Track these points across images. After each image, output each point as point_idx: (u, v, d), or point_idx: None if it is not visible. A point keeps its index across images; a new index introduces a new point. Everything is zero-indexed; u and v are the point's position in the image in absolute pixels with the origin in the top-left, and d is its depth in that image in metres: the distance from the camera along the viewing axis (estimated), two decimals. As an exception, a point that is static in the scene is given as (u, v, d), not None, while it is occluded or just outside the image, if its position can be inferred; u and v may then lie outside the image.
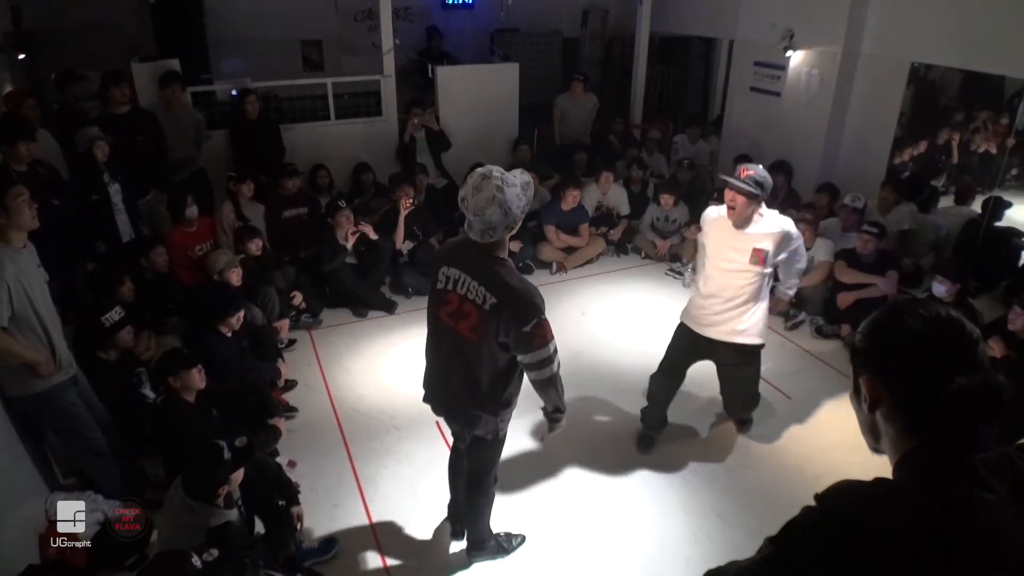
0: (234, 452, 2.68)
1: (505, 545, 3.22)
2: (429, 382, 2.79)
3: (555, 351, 2.48)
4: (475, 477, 2.94)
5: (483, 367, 2.53)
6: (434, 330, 2.65)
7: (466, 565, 3.17)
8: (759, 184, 3.20)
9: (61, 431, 3.28)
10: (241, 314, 3.97)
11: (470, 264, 2.45)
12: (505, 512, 3.44)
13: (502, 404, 2.64)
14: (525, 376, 2.61)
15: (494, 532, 3.18)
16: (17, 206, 2.88)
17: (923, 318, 1.07)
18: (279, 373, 4.23)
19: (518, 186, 2.35)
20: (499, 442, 2.82)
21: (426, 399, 2.83)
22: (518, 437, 3.99)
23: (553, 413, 2.70)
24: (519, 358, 2.48)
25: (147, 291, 4.45)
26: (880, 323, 1.14)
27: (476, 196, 2.29)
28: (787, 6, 6.60)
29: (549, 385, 2.54)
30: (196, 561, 2.28)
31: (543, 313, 2.40)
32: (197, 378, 3.28)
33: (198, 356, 3.39)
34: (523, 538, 3.29)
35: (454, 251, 2.56)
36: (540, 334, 2.40)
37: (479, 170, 2.35)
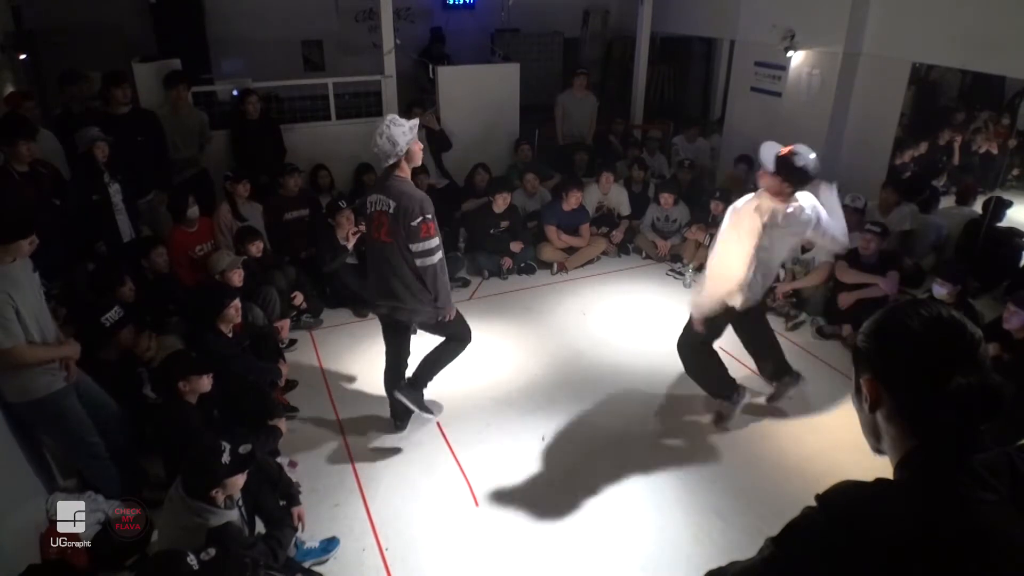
0: (235, 457, 2.68)
1: (430, 409, 3.93)
2: (373, 289, 3.61)
3: (438, 246, 3.38)
4: (453, 339, 3.79)
5: (402, 267, 3.40)
6: (369, 246, 3.59)
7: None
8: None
9: (59, 437, 3.27)
10: (237, 302, 3.95)
11: (381, 186, 3.41)
12: (503, 511, 3.46)
13: (430, 298, 3.48)
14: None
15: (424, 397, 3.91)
16: (21, 246, 2.89)
17: (924, 319, 1.07)
18: (280, 373, 4.23)
19: (405, 127, 3.29)
20: (452, 320, 3.65)
21: (375, 306, 3.66)
22: (520, 438, 4.00)
23: (435, 301, 3.49)
24: (411, 247, 3.33)
25: (148, 291, 4.46)
26: (881, 324, 1.14)
27: (374, 133, 3.28)
28: (788, 6, 6.60)
29: (432, 272, 3.41)
30: (192, 561, 2.27)
31: (428, 214, 3.30)
32: (206, 383, 3.28)
33: (209, 363, 3.37)
34: (436, 412, 4.07)
35: (376, 183, 3.55)
36: (425, 228, 3.30)
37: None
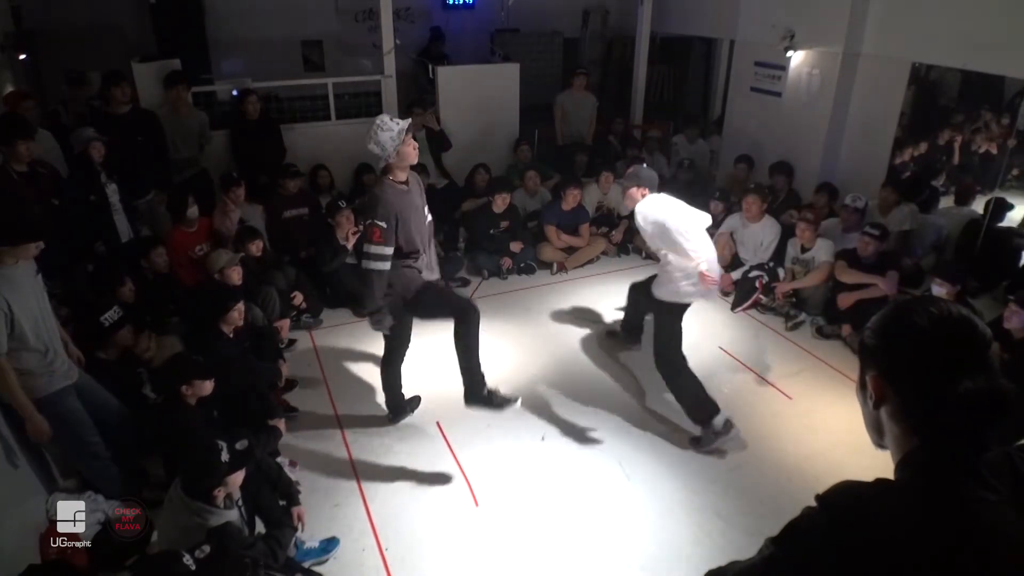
0: (234, 454, 2.68)
1: (508, 399, 3.59)
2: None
3: (379, 256, 3.30)
4: (458, 318, 3.61)
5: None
6: None
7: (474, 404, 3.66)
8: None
9: (59, 437, 3.25)
10: (241, 305, 3.93)
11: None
12: (503, 511, 3.46)
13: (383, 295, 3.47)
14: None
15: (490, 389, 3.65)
16: (27, 249, 2.89)
17: (932, 316, 1.05)
18: (280, 373, 4.22)
19: (393, 131, 3.24)
20: (425, 303, 3.62)
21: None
22: (520, 438, 4.00)
23: (367, 302, 3.46)
24: (363, 247, 3.34)
25: (148, 291, 4.45)
26: (889, 320, 1.12)
27: (367, 136, 3.27)
28: (787, 6, 6.60)
29: (367, 275, 3.37)
30: (188, 560, 2.27)
31: (379, 220, 3.25)
32: (209, 387, 3.28)
33: (212, 368, 3.36)
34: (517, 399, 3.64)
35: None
36: (371, 231, 3.27)
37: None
